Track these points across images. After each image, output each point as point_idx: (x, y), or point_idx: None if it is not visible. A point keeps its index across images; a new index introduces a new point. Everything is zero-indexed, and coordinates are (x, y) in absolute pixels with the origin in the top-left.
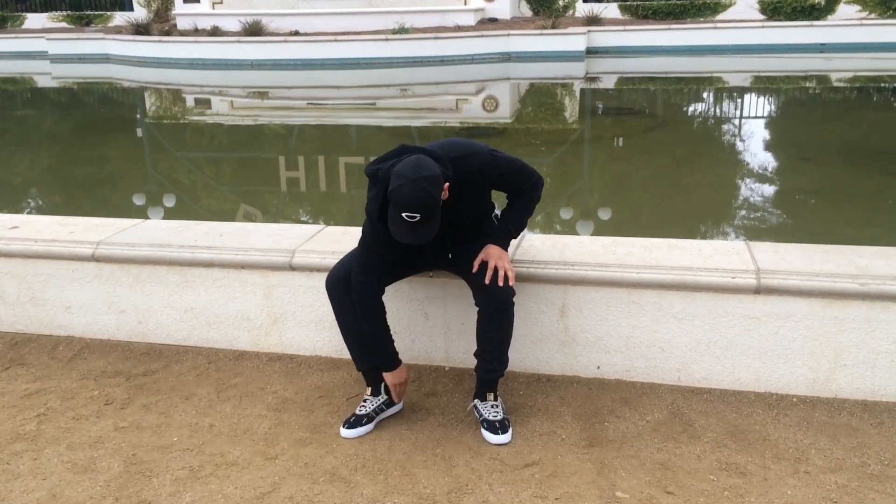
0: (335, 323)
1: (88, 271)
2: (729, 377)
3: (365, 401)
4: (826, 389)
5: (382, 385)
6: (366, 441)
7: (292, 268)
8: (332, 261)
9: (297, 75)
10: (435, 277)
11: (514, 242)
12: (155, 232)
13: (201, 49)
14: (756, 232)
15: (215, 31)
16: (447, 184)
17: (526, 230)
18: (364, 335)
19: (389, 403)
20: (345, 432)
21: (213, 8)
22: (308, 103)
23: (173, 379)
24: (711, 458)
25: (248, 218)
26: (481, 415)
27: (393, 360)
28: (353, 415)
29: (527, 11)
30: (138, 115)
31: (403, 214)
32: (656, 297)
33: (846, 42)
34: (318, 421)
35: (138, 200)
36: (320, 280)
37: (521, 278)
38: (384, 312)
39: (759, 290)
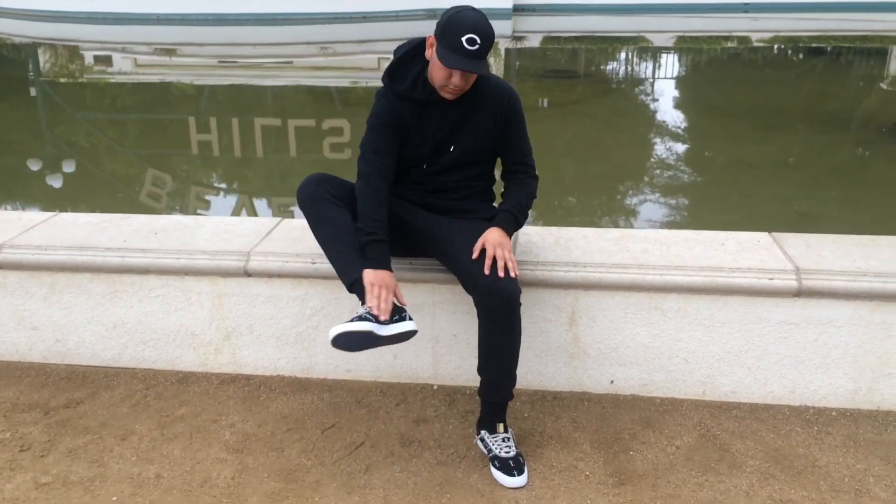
0: (299, 337)
1: None
2: (760, 390)
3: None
4: (868, 401)
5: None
6: (354, 492)
7: (248, 273)
8: (296, 265)
9: (208, 31)
10: (419, 281)
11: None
12: (72, 229)
13: (101, 2)
14: (749, 213)
15: None
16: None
17: None
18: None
19: (397, 311)
20: (333, 329)
21: None
22: (220, 61)
23: (104, 411)
24: (762, 495)
25: (155, 185)
26: (490, 450)
27: (383, 252)
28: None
29: None
30: (31, 75)
31: (464, 39)
32: (681, 301)
33: (770, 2)
34: (291, 465)
35: (41, 178)
36: (281, 288)
37: (524, 282)
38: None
39: (799, 293)
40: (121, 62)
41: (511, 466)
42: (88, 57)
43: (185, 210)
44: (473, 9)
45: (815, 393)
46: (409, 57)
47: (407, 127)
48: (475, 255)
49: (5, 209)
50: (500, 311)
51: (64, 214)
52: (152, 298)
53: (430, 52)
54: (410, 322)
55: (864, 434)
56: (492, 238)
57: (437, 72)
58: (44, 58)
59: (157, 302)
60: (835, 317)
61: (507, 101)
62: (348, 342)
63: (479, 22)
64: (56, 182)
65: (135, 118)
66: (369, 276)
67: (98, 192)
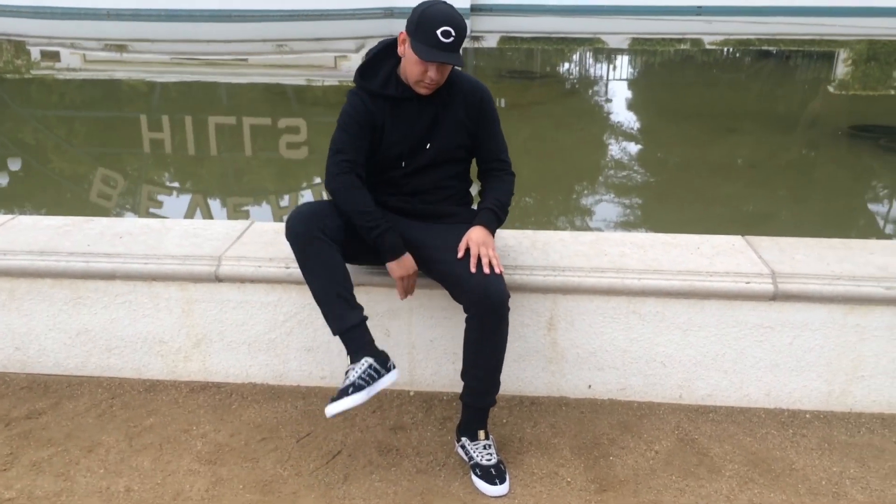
0: (272, 344)
1: None
2: (736, 393)
3: (347, 372)
4: (841, 403)
5: (366, 351)
6: (334, 502)
7: (219, 279)
8: (269, 270)
9: (160, 27)
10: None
11: None
12: (32, 233)
13: None
14: (720, 215)
15: None
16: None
17: None
18: (341, 288)
19: (378, 370)
20: (331, 408)
21: None
22: (172, 58)
23: (68, 422)
24: (743, 500)
25: (106, 185)
26: (472, 458)
27: (395, 238)
28: (338, 390)
29: None
30: None
31: (438, 31)
32: (660, 305)
33: (722, 5)
34: (267, 476)
35: None
36: (253, 293)
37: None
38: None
39: (775, 297)
40: (69, 58)
41: (493, 474)
42: (35, 52)
43: (138, 210)
44: (445, 2)
45: (790, 396)
46: (381, 56)
47: (381, 126)
48: (460, 254)
49: None
50: (490, 314)
51: (23, 217)
52: (118, 304)
53: (403, 48)
54: (394, 371)
55: (838, 436)
56: (475, 237)
57: (411, 67)
58: None
59: (124, 308)
60: (810, 320)
61: (480, 98)
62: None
63: (452, 14)
64: (2, 181)
65: (84, 116)
66: (395, 269)
67: (48, 192)
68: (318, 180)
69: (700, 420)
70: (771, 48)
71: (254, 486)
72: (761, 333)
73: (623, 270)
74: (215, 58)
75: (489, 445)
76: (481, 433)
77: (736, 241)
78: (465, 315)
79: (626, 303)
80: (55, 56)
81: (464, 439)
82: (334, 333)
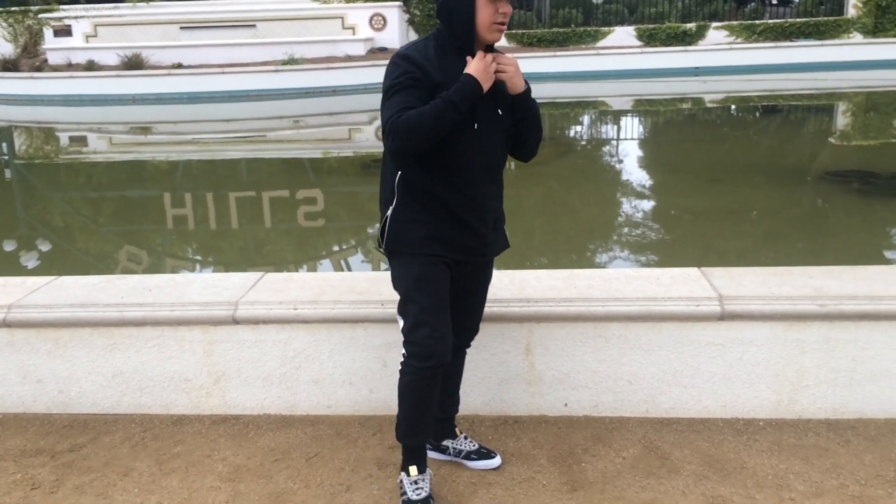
0: (284, 377)
1: None
2: (696, 405)
3: (416, 482)
4: (790, 411)
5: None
6: None
7: (236, 321)
8: (280, 311)
9: (182, 109)
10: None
11: None
12: (73, 290)
13: (77, 84)
14: (690, 255)
15: (91, 66)
16: None
17: None
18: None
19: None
20: None
21: (87, 41)
22: (193, 138)
23: (105, 453)
24: (696, 493)
25: (131, 261)
26: (461, 450)
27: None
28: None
29: None
30: (6, 157)
31: None
32: (622, 329)
33: (718, 65)
34: (279, 489)
35: (28, 256)
36: (266, 333)
37: (483, 318)
38: None
39: (722, 317)
40: (96, 142)
41: (485, 452)
42: (64, 138)
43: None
44: None
45: (744, 406)
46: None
47: (437, 87)
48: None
49: None
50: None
51: (65, 277)
52: (149, 348)
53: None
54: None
55: (788, 440)
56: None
57: (484, 12)
58: (19, 140)
59: (153, 351)
60: (755, 337)
61: None
62: None
63: None
64: (32, 263)
65: (111, 195)
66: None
67: (77, 269)
68: (336, 248)
69: (664, 430)
70: (772, 103)
71: (268, 497)
72: (714, 350)
73: (589, 299)
74: (235, 136)
75: (467, 436)
76: (457, 429)
77: (692, 271)
78: (465, 350)
79: (593, 328)
80: (83, 140)
81: (446, 442)
82: (401, 439)
